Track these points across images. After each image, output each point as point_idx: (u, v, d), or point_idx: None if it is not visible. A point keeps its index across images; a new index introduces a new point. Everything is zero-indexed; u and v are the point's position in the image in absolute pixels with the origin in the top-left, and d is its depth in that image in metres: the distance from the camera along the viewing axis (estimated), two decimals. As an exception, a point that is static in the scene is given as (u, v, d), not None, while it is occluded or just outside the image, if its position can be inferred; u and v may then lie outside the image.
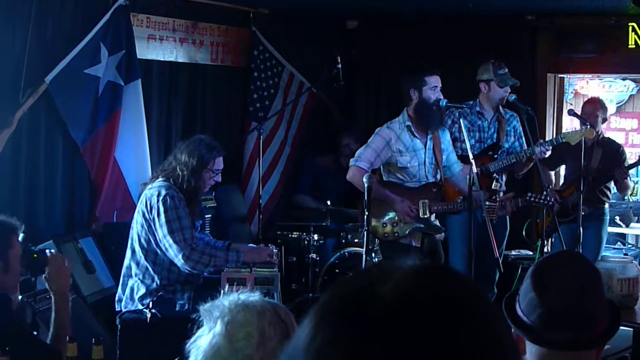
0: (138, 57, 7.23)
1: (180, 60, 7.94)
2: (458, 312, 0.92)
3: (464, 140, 6.46)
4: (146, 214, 5.56)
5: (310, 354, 0.92)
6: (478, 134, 7.22)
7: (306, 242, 7.86)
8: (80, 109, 6.85)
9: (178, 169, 5.60)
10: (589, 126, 7.08)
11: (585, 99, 8.13)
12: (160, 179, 5.63)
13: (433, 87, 6.45)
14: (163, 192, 5.53)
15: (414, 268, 0.98)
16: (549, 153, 7.01)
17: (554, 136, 7.57)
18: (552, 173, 8.33)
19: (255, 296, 2.54)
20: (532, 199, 6.51)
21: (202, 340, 2.42)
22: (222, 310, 2.44)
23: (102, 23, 6.87)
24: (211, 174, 5.73)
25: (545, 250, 7.51)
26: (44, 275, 4.24)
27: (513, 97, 6.98)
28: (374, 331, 0.90)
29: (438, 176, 6.54)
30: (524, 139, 7.29)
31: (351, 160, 6.47)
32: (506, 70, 7.19)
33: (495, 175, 7.01)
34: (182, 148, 5.68)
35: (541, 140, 6.97)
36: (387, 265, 0.98)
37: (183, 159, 5.61)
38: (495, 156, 7.17)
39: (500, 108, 7.29)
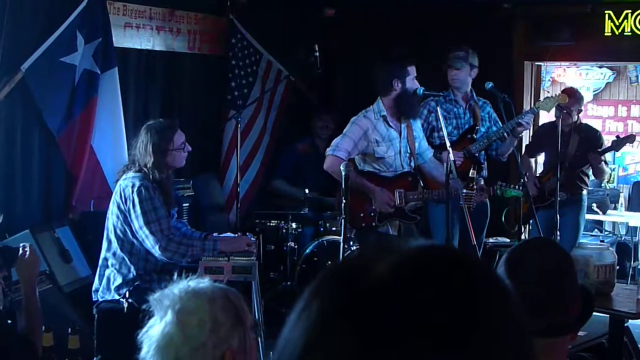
0: (114, 45, 7.19)
1: (157, 48, 7.91)
2: (449, 293, 0.91)
3: (442, 128, 6.49)
4: (121, 205, 5.54)
5: (301, 323, 0.93)
6: (455, 120, 7.25)
7: (284, 231, 7.86)
8: (57, 97, 6.81)
9: (142, 164, 5.56)
10: (560, 94, 7.20)
11: (562, 89, 8.17)
12: (133, 170, 5.59)
13: (414, 77, 6.47)
14: (137, 183, 5.50)
15: (416, 247, 0.98)
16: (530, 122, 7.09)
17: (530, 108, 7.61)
18: (532, 160, 8.37)
19: (204, 282, 2.53)
20: (503, 187, 6.54)
21: (153, 330, 2.41)
22: (172, 299, 2.42)
23: (78, 11, 6.83)
24: (178, 151, 5.70)
25: (523, 237, 7.54)
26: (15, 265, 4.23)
27: (490, 85, 6.99)
28: (364, 303, 0.90)
29: (412, 164, 6.56)
30: (500, 123, 7.33)
31: (328, 149, 6.45)
32: (462, 53, 7.22)
33: (478, 157, 7.08)
34: (138, 143, 5.61)
35: (522, 114, 7.02)
36: (388, 245, 0.98)
37: (143, 154, 5.55)
38: (475, 137, 7.20)
39: (474, 95, 7.33)
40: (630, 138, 7.70)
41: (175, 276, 2.59)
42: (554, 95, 7.18)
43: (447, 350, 0.88)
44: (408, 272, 0.93)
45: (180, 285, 2.48)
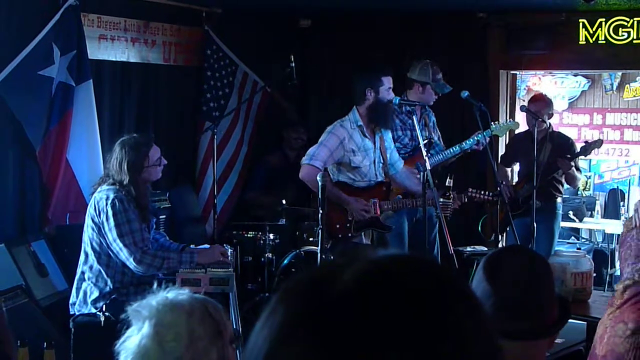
0: (89, 57, 7.15)
1: (132, 60, 7.86)
2: (415, 300, 0.91)
3: (398, 138, 6.56)
4: (95, 218, 5.50)
5: (266, 329, 0.94)
6: (410, 132, 7.24)
7: (262, 242, 7.83)
8: (36, 110, 6.74)
9: (118, 180, 5.53)
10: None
11: (530, 96, 8.25)
12: (107, 183, 5.56)
13: (389, 88, 6.49)
14: (112, 196, 5.47)
15: (381, 256, 0.98)
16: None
17: (484, 131, 7.63)
18: (508, 170, 8.41)
19: (184, 294, 2.51)
20: (473, 194, 6.56)
21: (131, 341, 2.38)
22: (150, 311, 2.40)
23: (52, 23, 6.78)
24: (153, 167, 5.67)
25: (500, 245, 7.56)
26: None
27: (466, 94, 7.00)
28: (326, 311, 0.91)
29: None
30: (439, 132, 7.41)
31: (303, 158, 6.44)
32: (441, 74, 7.25)
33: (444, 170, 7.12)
34: (112, 160, 5.58)
35: (476, 136, 7.02)
36: (356, 254, 0.98)
37: (117, 172, 5.52)
38: (432, 152, 7.24)
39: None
40: (598, 142, 7.81)
41: (155, 286, 2.56)
42: (508, 123, 7.30)
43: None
44: (372, 280, 0.93)
45: (158, 297, 2.45)
